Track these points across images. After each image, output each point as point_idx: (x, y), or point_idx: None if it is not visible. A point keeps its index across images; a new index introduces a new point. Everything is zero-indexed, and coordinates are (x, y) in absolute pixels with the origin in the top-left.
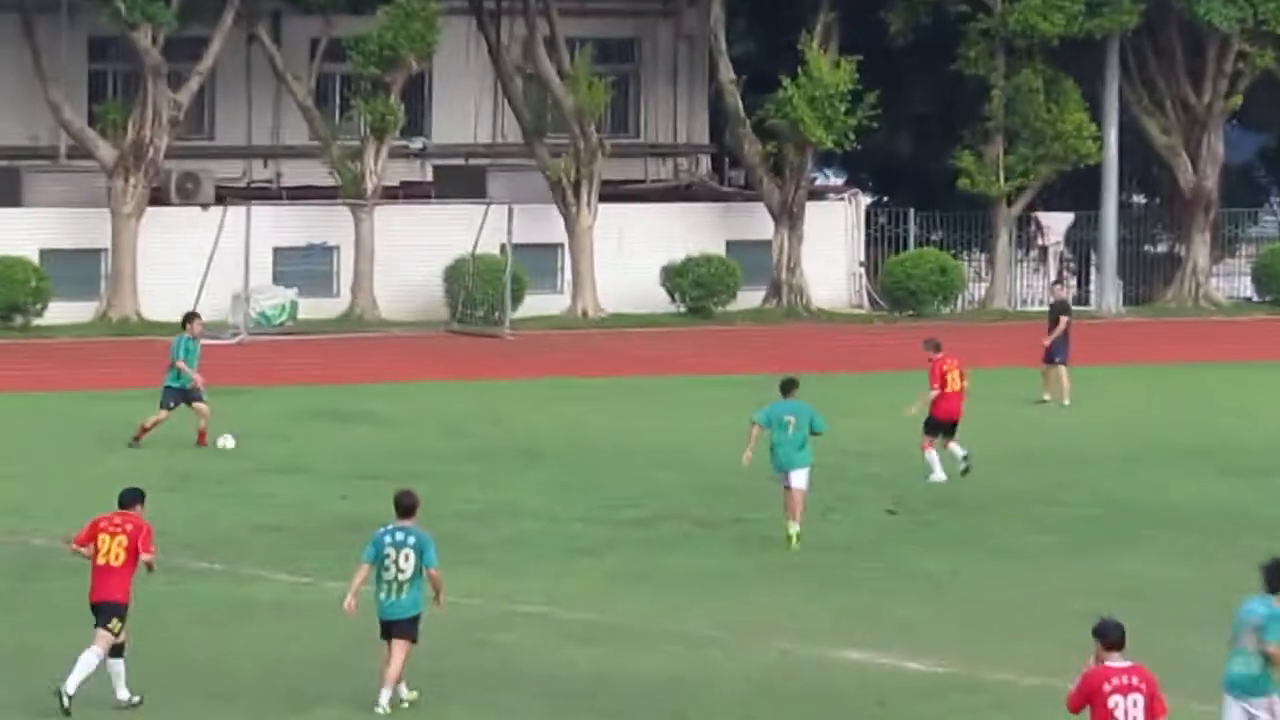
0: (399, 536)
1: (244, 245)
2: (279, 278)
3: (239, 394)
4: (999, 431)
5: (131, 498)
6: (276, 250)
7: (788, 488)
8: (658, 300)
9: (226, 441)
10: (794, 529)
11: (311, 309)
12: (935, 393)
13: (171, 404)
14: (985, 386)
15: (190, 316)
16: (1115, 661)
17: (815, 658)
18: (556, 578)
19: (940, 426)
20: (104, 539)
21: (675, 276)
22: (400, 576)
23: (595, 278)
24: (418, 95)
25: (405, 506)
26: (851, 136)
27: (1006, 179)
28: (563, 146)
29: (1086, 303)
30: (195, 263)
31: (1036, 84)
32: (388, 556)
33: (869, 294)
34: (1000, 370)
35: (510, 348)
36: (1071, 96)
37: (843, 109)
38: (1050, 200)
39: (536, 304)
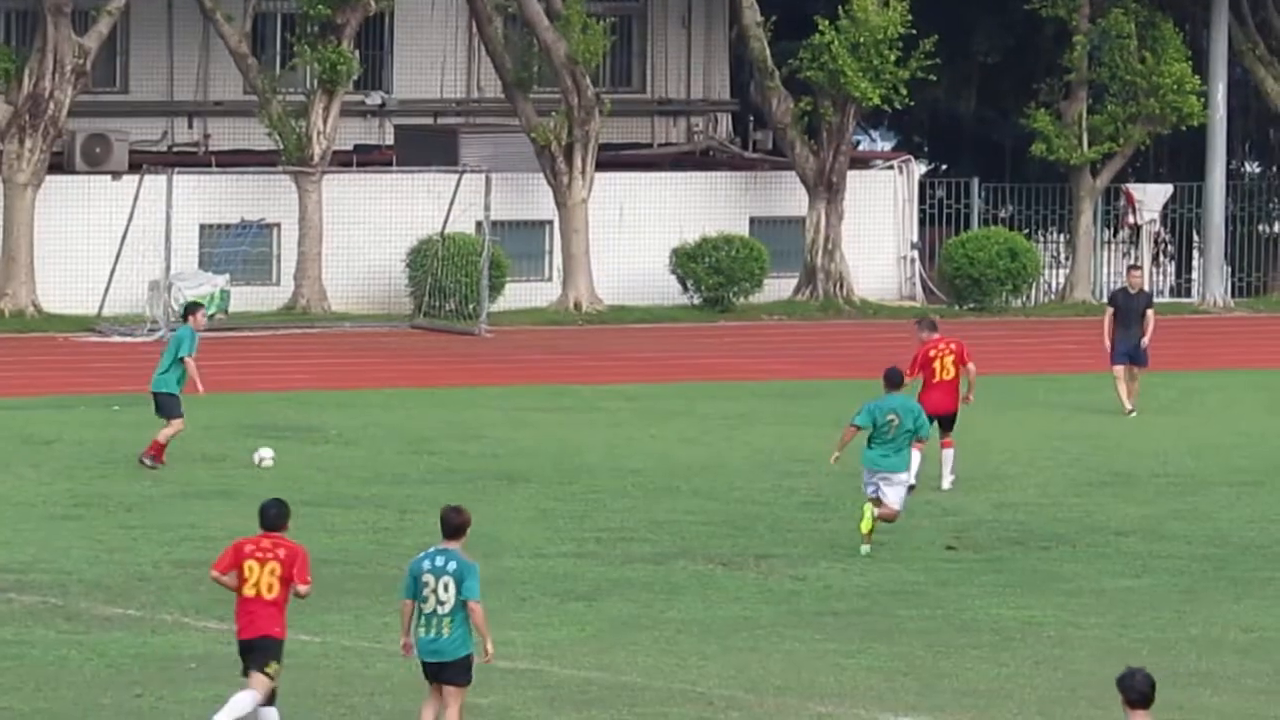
0: (439, 562)
1: (164, 222)
2: (207, 262)
3: None
4: (1084, 450)
5: (277, 516)
6: (204, 228)
7: (877, 501)
8: (667, 290)
9: (264, 457)
10: (864, 550)
11: (246, 299)
12: (914, 377)
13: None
14: (1064, 396)
15: (194, 306)
16: None
17: None
18: (544, 627)
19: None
20: (251, 566)
21: (688, 261)
22: (440, 610)
23: (591, 263)
24: (376, 40)
25: (453, 526)
26: (903, 91)
27: (1091, 144)
28: (552, 103)
29: (1187, 294)
30: (105, 243)
31: (1129, 28)
32: (425, 585)
33: (923, 283)
34: (1083, 376)
35: (487, 347)
36: (1171, 44)
37: (892, 58)
38: (1144, 170)
39: (520, 294)
